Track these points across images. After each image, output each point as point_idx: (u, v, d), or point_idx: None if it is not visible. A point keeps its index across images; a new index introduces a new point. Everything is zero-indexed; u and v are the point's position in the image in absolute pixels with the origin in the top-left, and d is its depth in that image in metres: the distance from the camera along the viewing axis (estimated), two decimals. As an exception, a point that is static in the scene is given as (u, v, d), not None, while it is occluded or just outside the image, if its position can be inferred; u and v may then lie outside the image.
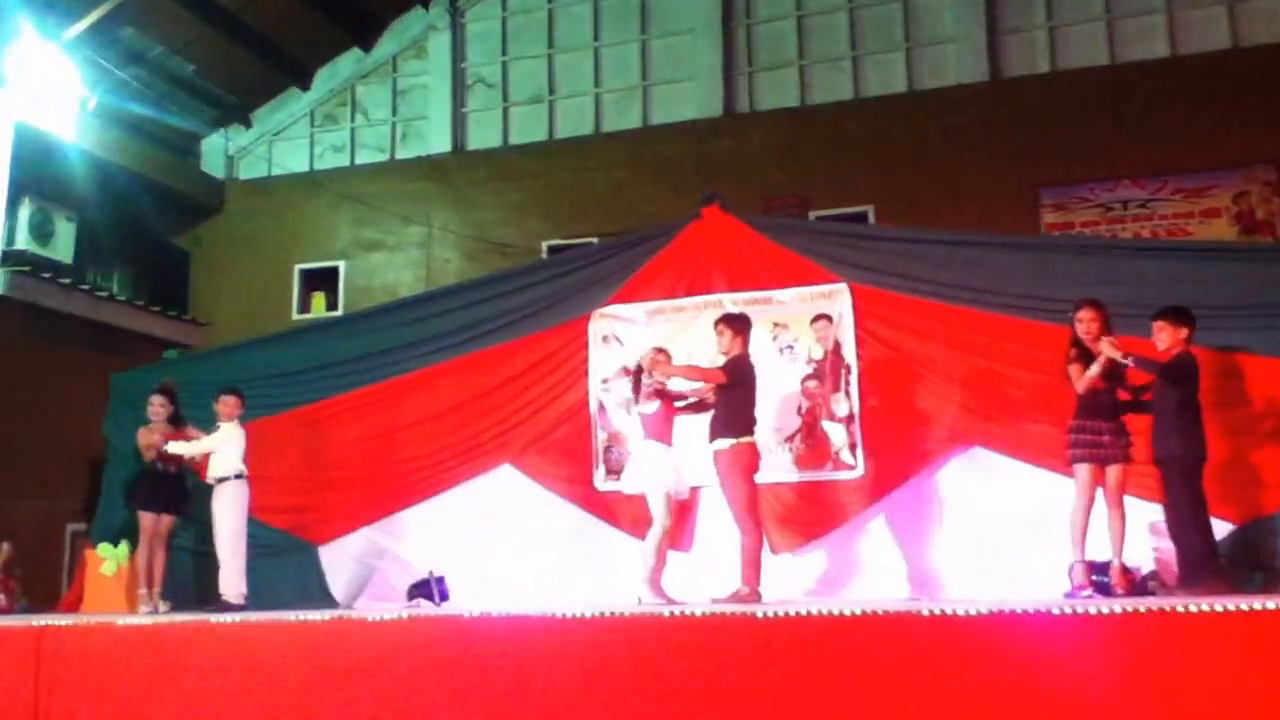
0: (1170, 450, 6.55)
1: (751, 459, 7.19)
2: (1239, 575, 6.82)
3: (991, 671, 4.93)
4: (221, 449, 8.17)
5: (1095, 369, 6.65)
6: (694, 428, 7.70)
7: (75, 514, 10.78)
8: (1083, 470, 6.70)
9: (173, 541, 8.57)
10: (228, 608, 7.70)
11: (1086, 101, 11.53)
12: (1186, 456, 6.53)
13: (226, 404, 8.27)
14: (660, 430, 7.50)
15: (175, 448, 8.22)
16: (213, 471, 8.15)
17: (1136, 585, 6.79)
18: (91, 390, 10.31)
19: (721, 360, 7.40)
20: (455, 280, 12.28)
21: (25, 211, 11.57)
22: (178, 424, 8.51)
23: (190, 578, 9.01)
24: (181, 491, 8.49)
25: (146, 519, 8.35)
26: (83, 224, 12.34)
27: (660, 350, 7.66)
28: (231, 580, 8.00)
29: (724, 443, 7.13)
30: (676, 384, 7.76)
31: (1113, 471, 6.68)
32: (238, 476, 8.13)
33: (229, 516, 8.07)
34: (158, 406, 8.53)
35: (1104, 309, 6.84)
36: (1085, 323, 6.80)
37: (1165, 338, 6.68)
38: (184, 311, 13.89)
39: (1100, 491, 6.70)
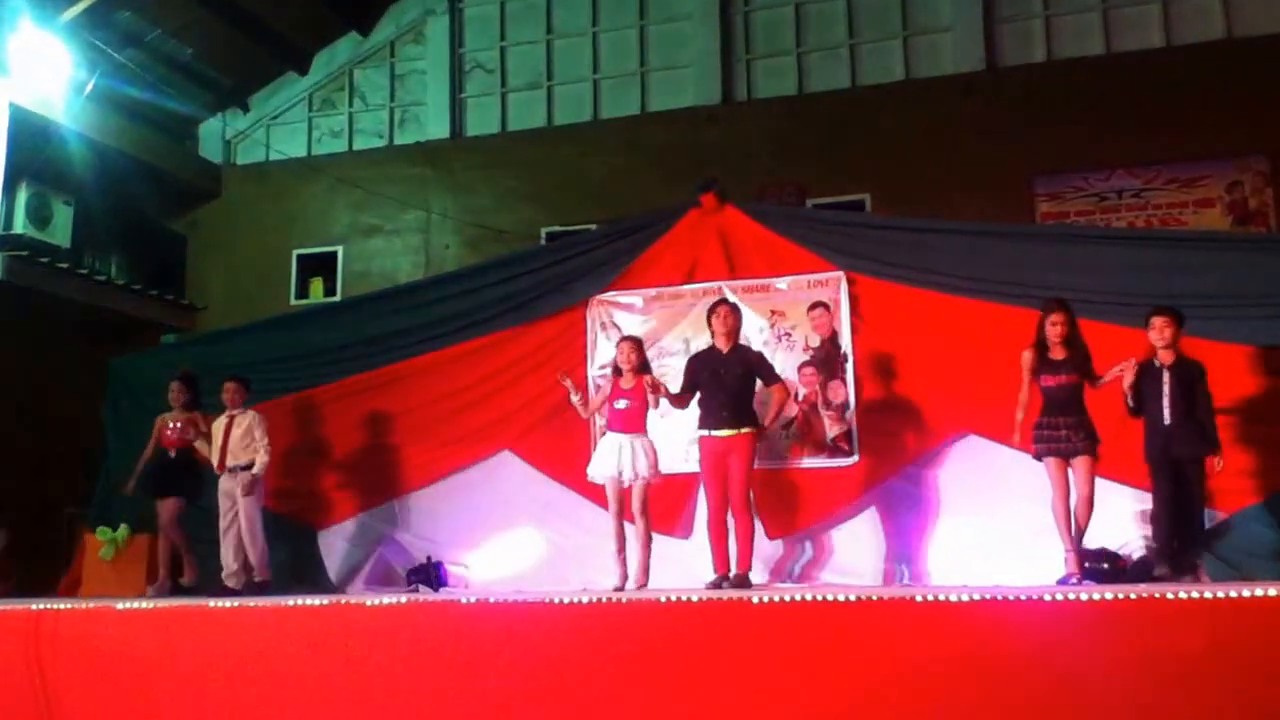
0: (1207, 450, 6.71)
1: None
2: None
3: (985, 657, 4.97)
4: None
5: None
6: (675, 416, 7.73)
7: (73, 498, 10.78)
8: (1049, 465, 6.81)
9: (183, 526, 8.62)
10: (260, 589, 7.99)
11: (1082, 91, 11.51)
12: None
13: (230, 391, 8.34)
14: (625, 420, 7.38)
15: (204, 447, 8.43)
16: (233, 460, 8.27)
17: (1125, 573, 6.87)
18: (89, 374, 10.32)
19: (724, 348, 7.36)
20: (453, 266, 12.27)
21: (23, 195, 11.54)
22: (191, 409, 8.62)
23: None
24: (188, 477, 8.56)
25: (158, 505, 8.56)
26: (80, 208, 12.31)
27: (634, 340, 7.57)
28: (263, 561, 8.26)
29: (750, 429, 7.15)
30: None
31: (1078, 464, 6.73)
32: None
33: (253, 501, 8.25)
34: (176, 393, 8.65)
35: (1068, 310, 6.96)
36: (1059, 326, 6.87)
37: (1170, 335, 6.71)
38: (181, 296, 13.85)
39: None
